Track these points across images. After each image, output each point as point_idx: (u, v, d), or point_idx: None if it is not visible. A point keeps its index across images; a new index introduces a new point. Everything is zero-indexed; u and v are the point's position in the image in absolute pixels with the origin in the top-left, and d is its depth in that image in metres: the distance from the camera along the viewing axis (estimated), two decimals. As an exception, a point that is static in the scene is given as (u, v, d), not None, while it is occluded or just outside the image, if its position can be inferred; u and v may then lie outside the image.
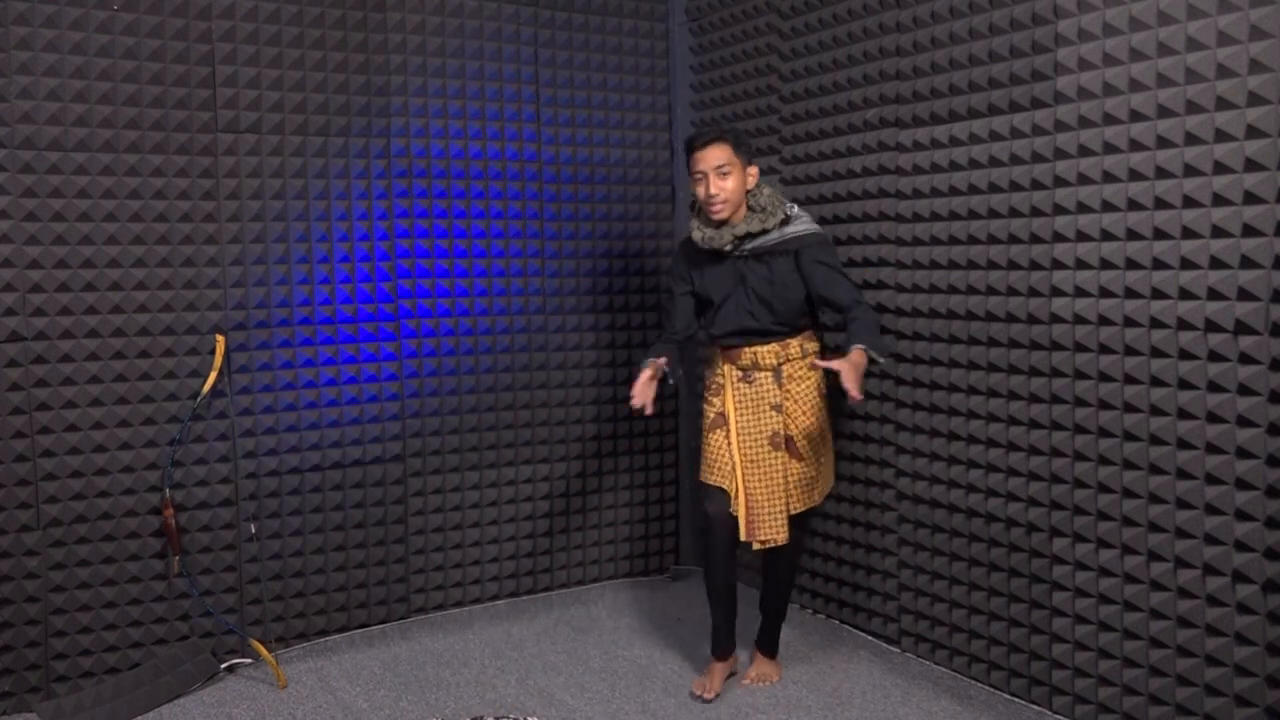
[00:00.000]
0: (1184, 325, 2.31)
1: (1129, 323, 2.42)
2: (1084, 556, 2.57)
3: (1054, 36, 2.53)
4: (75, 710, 2.79)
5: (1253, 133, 2.16)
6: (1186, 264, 2.30)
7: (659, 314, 3.83)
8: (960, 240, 2.84)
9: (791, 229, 2.82)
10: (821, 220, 3.20)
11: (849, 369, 2.53)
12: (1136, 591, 2.46)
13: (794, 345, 2.84)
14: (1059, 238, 2.57)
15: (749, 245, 2.82)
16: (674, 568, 3.98)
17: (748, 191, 2.82)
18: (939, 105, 2.87)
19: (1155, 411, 2.39)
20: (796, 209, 2.87)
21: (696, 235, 2.84)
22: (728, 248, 2.82)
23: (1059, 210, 2.56)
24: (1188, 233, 2.29)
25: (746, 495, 2.81)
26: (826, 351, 2.95)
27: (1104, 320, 2.48)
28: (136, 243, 2.91)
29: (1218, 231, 2.24)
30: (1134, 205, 2.39)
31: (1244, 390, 2.22)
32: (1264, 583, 2.20)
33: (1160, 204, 2.34)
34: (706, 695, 2.89)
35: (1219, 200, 2.23)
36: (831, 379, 2.85)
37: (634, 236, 3.80)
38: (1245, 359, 2.21)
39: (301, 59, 3.12)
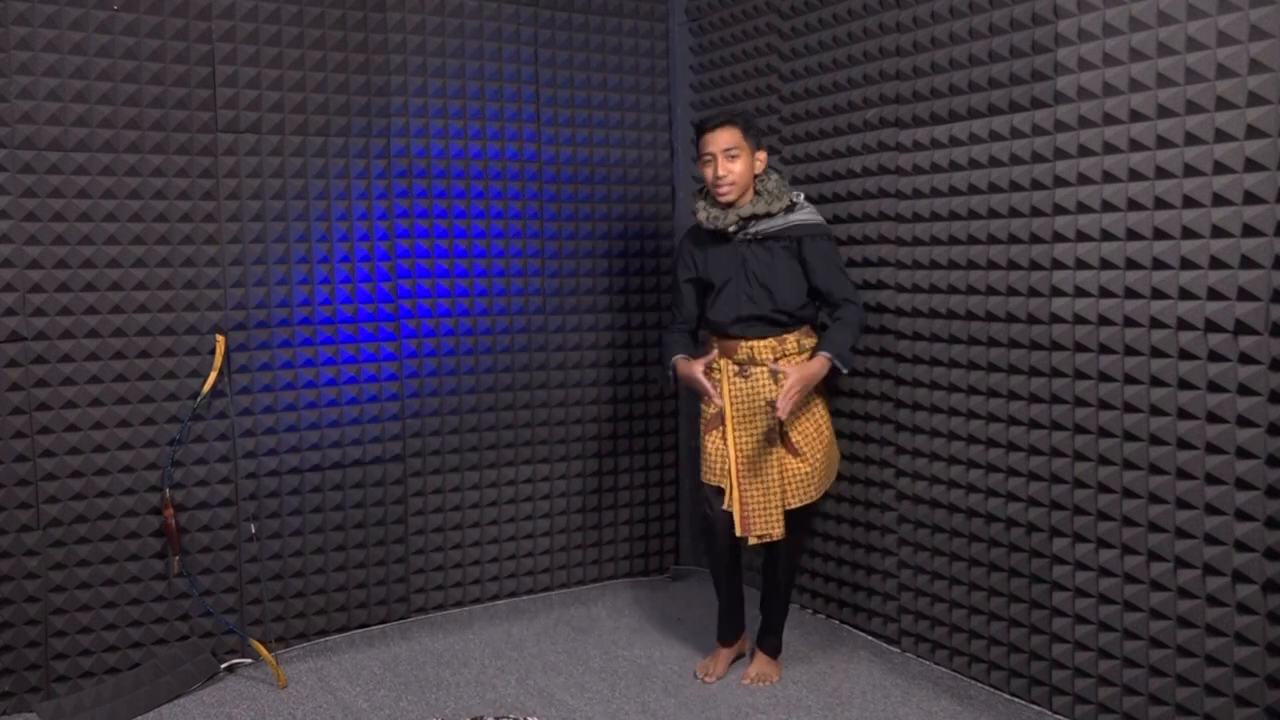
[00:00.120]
0: (1184, 325, 2.31)
1: (1129, 323, 2.42)
2: (1084, 556, 2.57)
3: (1054, 36, 2.53)
4: (75, 710, 2.79)
5: (1253, 133, 2.16)
6: (1186, 264, 2.30)
7: (659, 314, 3.83)
8: (960, 240, 2.84)
9: (796, 217, 2.84)
10: (821, 220, 3.20)
11: (795, 381, 2.67)
12: (1136, 591, 2.46)
13: (790, 340, 2.85)
14: (1059, 238, 2.57)
15: (753, 228, 2.83)
16: (674, 568, 3.98)
17: (755, 176, 2.85)
18: (939, 105, 2.87)
19: (1155, 411, 2.39)
20: (803, 198, 2.89)
21: (701, 215, 2.86)
22: (732, 228, 2.83)
23: (1059, 210, 2.56)
24: (1188, 233, 2.29)
25: (741, 491, 2.81)
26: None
27: (1104, 320, 2.48)
28: (136, 243, 2.91)
29: (1218, 231, 2.24)
30: (1134, 205, 2.39)
31: (1244, 390, 2.22)
32: (1264, 583, 2.20)
33: (1160, 204, 2.34)
34: (708, 678, 2.97)
35: (1219, 200, 2.23)
36: (830, 379, 2.87)
37: (634, 236, 3.80)
38: (1245, 359, 2.21)
39: (301, 59, 3.12)
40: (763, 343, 2.84)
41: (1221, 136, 2.22)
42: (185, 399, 3.00)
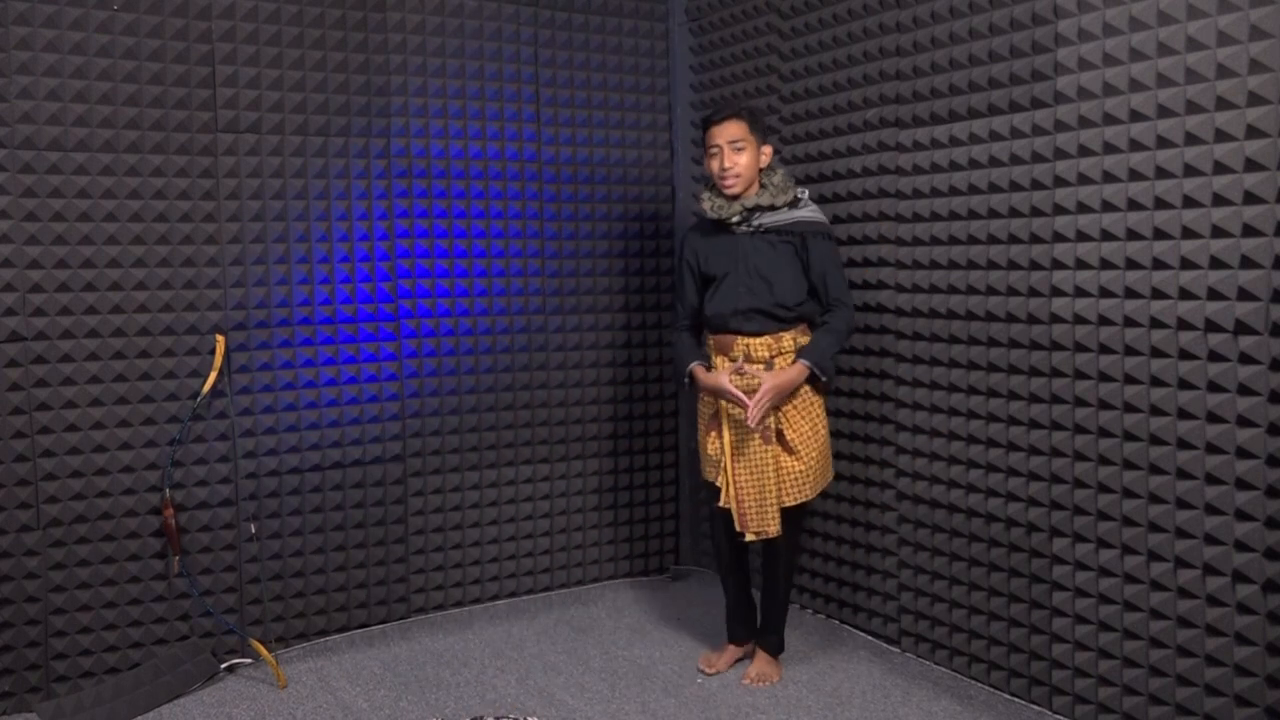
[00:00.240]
0: (1184, 325, 2.31)
1: (1129, 323, 2.42)
2: (1084, 556, 2.57)
3: (1054, 36, 2.53)
4: (75, 710, 2.79)
5: (1253, 133, 2.16)
6: (1186, 264, 2.30)
7: (660, 314, 3.83)
8: (960, 240, 2.84)
9: (801, 213, 2.86)
10: (821, 220, 3.20)
11: (767, 389, 2.71)
12: (1136, 591, 2.46)
13: (787, 339, 2.85)
14: (1059, 238, 2.57)
15: (757, 220, 2.84)
16: (674, 568, 3.98)
17: (761, 170, 2.86)
18: (939, 105, 2.87)
19: (1155, 411, 2.39)
20: (806, 195, 2.90)
21: (706, 204, 2.88)
22: (736, 219, 2.84)
23: (1059, 210, 2.56)
24: (1188, 233, 2.29)
25: (737, 488, 2.82)
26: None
27: (1104, 320, 2.48)
28: (136, 243, 2.91)
29: (1218, 231, 2.24)
30: (1134, 205, 2.39)
31: (1244, 390, 2.22)
32: (1264, 583, 2.20)
33: (1160, 204, 2.34)
34: (708, 670, 3.03)
35: (1219, 200, 2.23)
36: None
37: (634, 237, 3.80)
38: (1245, 359, 2.21)
39: (301, 59, 3.12)
40: (759, 340, 2.84)
41: (1221, 136, 2.22)
42: (185, 399, 3.00)
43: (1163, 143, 2.32)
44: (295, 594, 3.24)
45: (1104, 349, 2.49)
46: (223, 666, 3.09)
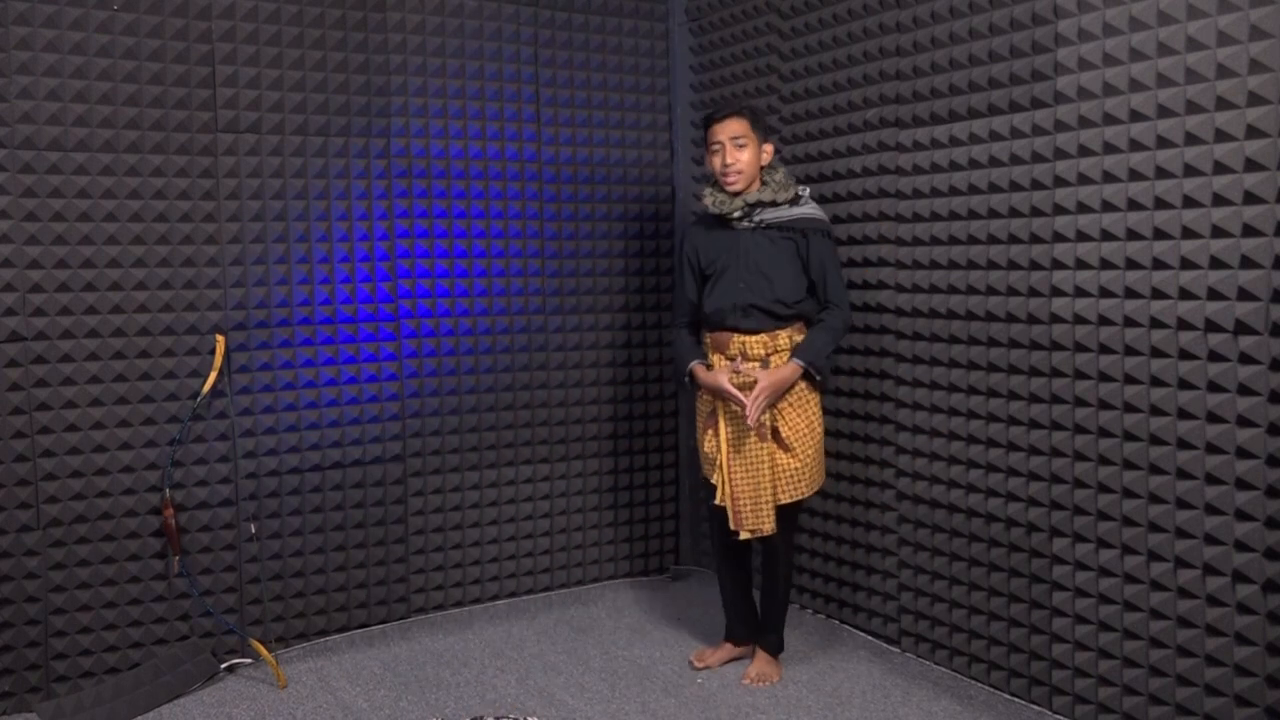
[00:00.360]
0: (1184, 325, 2.31)
1: (1129, 323, 2.42)
2: (1084, 556, 2.57)
3: (1054, 36, 2.53)
4: (75, 710, 2.79)
5: (1253, 133, 2.16)
6: (1186, 264, 2.30)
7: (660, 314, 3.83)
8: (960, 240, 2.84)
9: (800, 210, 2.87)
10: (821, 220, 3.20)
11: (763, 388, 2.73)
12: (1136, 591, 2.46)
13: (783, 337, 2.85)
14: (1059, 238, 2.57)
15: (758, 215, 2.85)
16: (674, 568, 3.98)
17: (762, 168, 2.88)
18: (939, 105, 2.87)
19: (1155, 411, 2.39)
20: (807, 193, 2.91)
21: (708, 200, 2.90)
22: (737, 213, 2.86)
23: (1059, 210, 2.56)
24: (1188, 233, 2.29)
25: (732, 486, 2.82)
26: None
27: (1104, 320, 2.48)
28: (136, 243, 2.91)
29: (1218, 231, 2.24)
30: (1134, 205, 2.39)
31: (1244, 390, 2.22)
32: (1264, 583, 2.20)
33: (1160, 204, 2.34)
34: (697, 664, 3.06)
35: (1219, 200, 2.23)
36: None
37: (634, 237, 3.80)
38: (1245, 359, 2.21)
39: (301, 59, 3.12)
40: (755, 338, 2.84)
41: (1221, 136, 2.22)
42: (185, 399, 3.00)
43: (1163, 143, 2.32)
44: (295, 594, 3.24)
45: (1104, 349, 2.49)
46: (223, 666, 3.09)
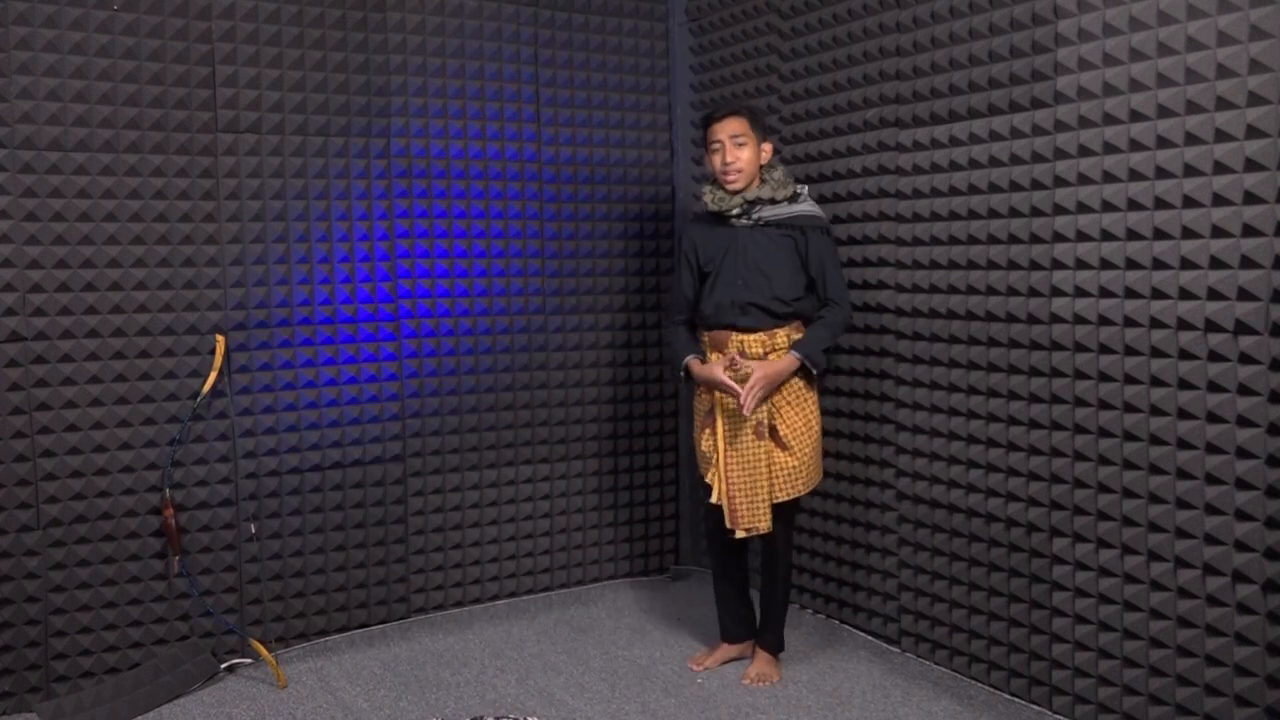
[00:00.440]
0: (1184, 325, 2.31)
1: (1129, 323, 2.42)
2: (1084, 556, 2.57)
3: (1054, 36, 2.53)
4: (75, 710, 2.79)
5: (1253, 133, 2.16)
6: (1186, 264, 2.30)
7: (660, 314, 3.83)
8: (960, 240, 2.84)
9: (799, 208, 2.88)
10: (821, 220, 3.21)
11: (759, 379, 2.73)
12: (1136, 591, 2.46)
13: (781, 335, 2.85)
14: (1059, 238, 2.57)
15: (757, 213, 2.86)
16: (674, 568, 3.98)
17: (761, 166, 2.89)
18: (939, 105, 2.87)
19: (1155, 411, 2.39)
20: (806, 191, 2.92)
21: (708, 197, 2.91)
22: (736, 210, 2.87)
23: (1059, 210, 2.56)
24: (1188, 233, 2.29)
25: (728, 483, 2.82)
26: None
27: (1104, 320, 2.48)
28: (136, 243, 2.91)
29: (1218, 231, 2.24)
30: (1134, 205, 2.39)
31: (1244, 390, 2.22)
32: (1264, 583, 2.20)
33: (1160, 204, 2.34)
34: (694, 666, 3.06)
35: (1219, 200, 2.23)
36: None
37: (634, 237, 3.80)
38: (1245, 359, 2.21)
39: (301, 59, 3.12)
40: (753, 336, 2.84)
41: (1221, 136, 2.22)
42: (185, 399, 3.00)
43: (1163, 143, 2.32)
44: (295, 594, 3.24)
45: (1104, 349, 2.49)
46: (223, 666, 3.09)
